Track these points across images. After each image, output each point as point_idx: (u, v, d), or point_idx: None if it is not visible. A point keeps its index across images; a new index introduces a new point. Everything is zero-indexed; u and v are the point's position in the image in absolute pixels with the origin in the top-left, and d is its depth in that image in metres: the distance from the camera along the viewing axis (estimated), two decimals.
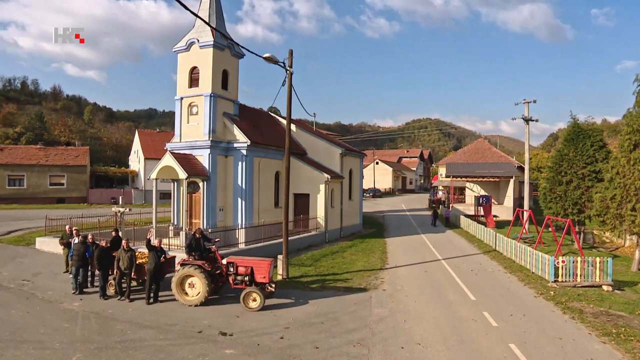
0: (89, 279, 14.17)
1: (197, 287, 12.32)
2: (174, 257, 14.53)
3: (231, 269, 12.66)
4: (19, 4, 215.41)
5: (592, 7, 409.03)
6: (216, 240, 14.00)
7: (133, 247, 14.06)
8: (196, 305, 12.07)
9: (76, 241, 14.23)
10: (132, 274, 12.97)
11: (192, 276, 12.32)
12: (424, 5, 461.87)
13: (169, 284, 12.96)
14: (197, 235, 12.97)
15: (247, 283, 12.43)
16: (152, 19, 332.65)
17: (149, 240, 12.91)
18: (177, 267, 12.91)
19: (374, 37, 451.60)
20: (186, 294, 12.41)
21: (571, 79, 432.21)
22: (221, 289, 13.37)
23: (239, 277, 12.56)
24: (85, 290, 13.58)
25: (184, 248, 13.47)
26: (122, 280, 12.95)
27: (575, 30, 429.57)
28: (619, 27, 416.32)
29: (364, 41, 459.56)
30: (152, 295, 12.54)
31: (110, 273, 13.16)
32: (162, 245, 13.67)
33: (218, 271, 12.79)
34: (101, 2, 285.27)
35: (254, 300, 11.94)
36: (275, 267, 15.07)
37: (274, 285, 12.84)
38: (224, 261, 12.93)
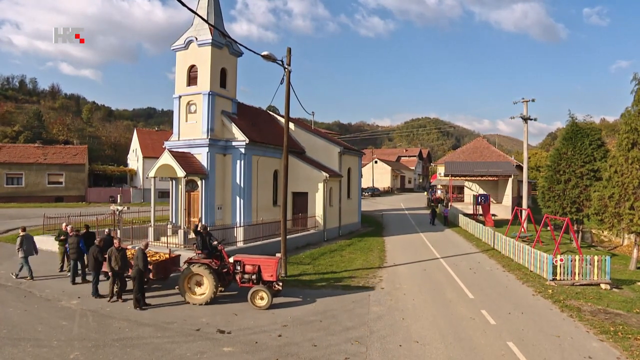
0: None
1: (204, 285, 12.19)
2: (179, 255, 14.37)
3: (238, 268, 12.57)
4: (11, 2, 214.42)
5: (584, 6, 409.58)
6: (218, 241, 13.87)
7: (130, 246, 14.03)
8: (205, 304, 11.95)
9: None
10: (129, 272, 12.77)
11: (200, 275, 12.18)
12: (417, 5, 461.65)
13: (174, 282, 13.00)
14: (202, 232, 12.82)
15: (255, 281, 12.33)
16: (146, 18, 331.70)
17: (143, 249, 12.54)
18: (184, 265, 12.72)
19: (369, 36, 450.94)
20: (193, 292, 12.27)
21: (566, 79, 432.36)
22: (228, 288, 13.29)
23: (246, 276, 12.46)
24: (76, 282, 14.13)
25: (194, 246, 13.26)
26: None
27: (569, 30, 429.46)
28: (611, 26, 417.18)
29: (359, 40, 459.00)
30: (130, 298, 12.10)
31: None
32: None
33: (225, 270, 12.68)
34: (95, 0, 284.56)
35: (262, 298, 11.88)
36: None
37: (281, 284, 12.80)
38: (231, 259, 12.84)
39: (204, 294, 12.15)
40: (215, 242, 12.88)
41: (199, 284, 12.25)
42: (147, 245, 12.73)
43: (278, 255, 15.91)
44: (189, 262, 12.45)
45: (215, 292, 12.16)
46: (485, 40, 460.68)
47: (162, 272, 13.24)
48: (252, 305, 11.84)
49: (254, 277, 12.35)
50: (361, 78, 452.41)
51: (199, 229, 12.90)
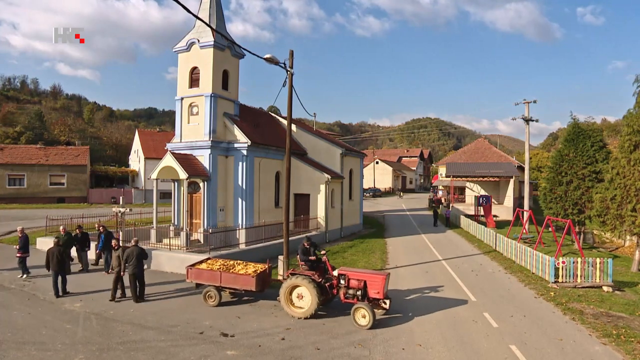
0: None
1: (305, 298, 11.50)
2: (271, 266, 13.57)
3: (342, 282, 11.70)
4: (5, 2, 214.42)
5: (577, 5, 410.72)
6: (325, 251, 12.86)
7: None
8: (305, 318, 11.30)
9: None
10: (228, 284, 12.47)
11: (301, 287, 11.59)
12: (412, 5, 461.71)
13: (270, 294, 12.88)
14: (306, 244, 12.24)
15: (359, 298, 11.37)
16: (142, 18, 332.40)
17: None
18: (286, 276, 12.20)
19: (365, 36, 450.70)
20: (294, 305, 11.69)
21: (564, 79, 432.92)
22: (331, 302, 12.38)
23: (350, 291, 11.52)
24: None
25: (297, 257, 12.46)
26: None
27: (564, 30, 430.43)
28: (606, 25, 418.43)
29: (355, 40, 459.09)
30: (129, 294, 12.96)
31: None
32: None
33: (328, 283, 11.88)
34: (90, 0, 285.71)
35: (364, 317, 10.84)
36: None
37: (388, 302, 11.65)
38: (335, 272, 12.02)
39: (304, 307, 11.49)
40: (322, 253, 12.23)
41: (301, 297, 11.61)
42: (137, 242, 13.28)
43: (280, 257, 16.00)
44: (291, 273, 11.95)
45: (318, 306, 11.37)
46: (482, 40, 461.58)
47: (261, 284, 12.38)
48: (354, 323, 10.92)
49: (358, 292, 11.40)
50: (360, 78, 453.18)
51: (304, 243, 12.27)
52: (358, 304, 11.03)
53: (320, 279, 11.70)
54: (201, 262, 13.60)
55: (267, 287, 12.90)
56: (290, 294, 11.73)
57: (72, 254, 16.53)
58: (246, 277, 12.22)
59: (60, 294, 13.08)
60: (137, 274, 12.69)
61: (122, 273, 12.84)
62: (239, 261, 13.70)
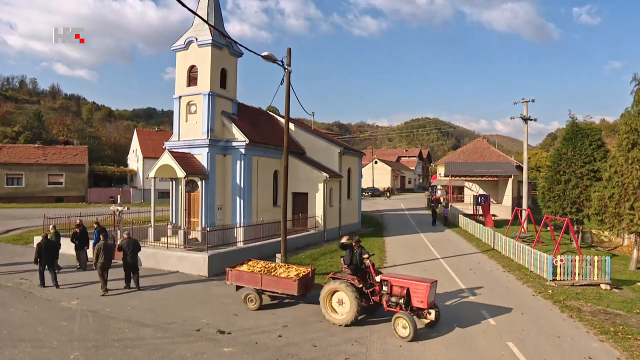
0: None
1: (345, 304, 10.83)
2: (314, 269, 12.97)
3: (385, 289, 10.93)
4: (2, 2, 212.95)
5: (573, 5, 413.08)
6: (369, 255, 11.56)
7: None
8: (346, 325, 10.62)
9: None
10: (269, 287, 11.88)
11: (340, 292, 10.95)
12: (408, 5, 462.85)
13: (313, 298, 12.28)
14: (355, 246, 11.49)
15: (402, 306, 10.51)
16: (139, 18, 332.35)
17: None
18: (327, 279, 11.67)
19: (363, 36, 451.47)
20: (334, 311, 11.05)
21: (561, 79, 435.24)
22: (376, 310, 11.58)
23: (393, 299, 10.71)
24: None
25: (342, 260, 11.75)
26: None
27: (561, 30, 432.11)
28: (603, 26, 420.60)
29: (353, 40, 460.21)
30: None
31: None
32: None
33: (371, 289, 11.12)
34: (87, 1, 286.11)
35: (404, 327, 9.93)
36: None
37: (434, 312, 10.65)
38: (378, 278, 11.15)
39: (344, 313, 10.82)
40: (365, 257, 11.25)
41: (341, 302, 10.93)
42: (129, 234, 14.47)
43: (278, 255, 15.96)
44: (332, 277, 11.42)
45: (358, 313, 10.68)
46: (480, 41, 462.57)
47: (303, 288, 11.80)
48: (395, 334, 10.06)
49: (401, 301, 10.53)
50: (358, 78, 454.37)
51: (352, 242, 11.60)
52: (399, 313, 10.24)
53: (361, 285, 11.02)
54: (242, 263, 13.13)
55: (309, 292, 12.26)
56: (331, 299, 11.13)
57: (69, 252, 16.55)
58: (288, 281, 11.71)
59: (48, 284, 13.76)
60: (134, 264, 13.75)
61: (94, 267, 13.54)
62: (280, 263, 13.40)
